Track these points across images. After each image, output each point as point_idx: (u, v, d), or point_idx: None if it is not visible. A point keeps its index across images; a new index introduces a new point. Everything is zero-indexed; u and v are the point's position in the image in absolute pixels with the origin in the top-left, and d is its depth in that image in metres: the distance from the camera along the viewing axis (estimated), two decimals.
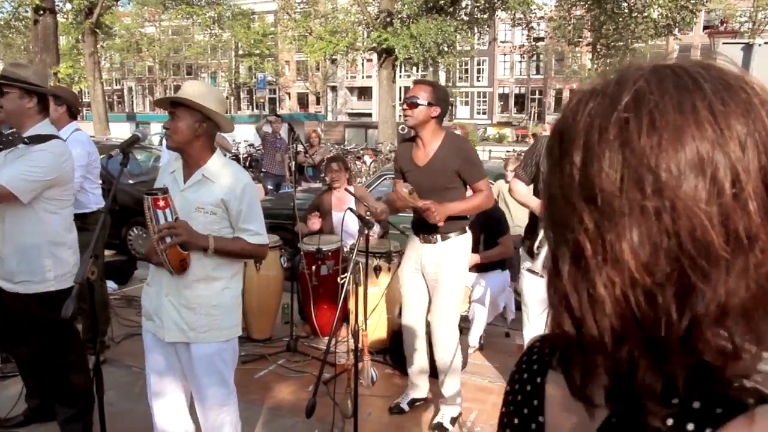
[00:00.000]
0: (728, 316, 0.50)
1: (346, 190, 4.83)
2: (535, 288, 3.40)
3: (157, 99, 2.57)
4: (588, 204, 0.54)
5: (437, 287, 3.30)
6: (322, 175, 5.93)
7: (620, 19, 16.81)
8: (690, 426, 0.53)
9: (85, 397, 3.07)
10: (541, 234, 2.98)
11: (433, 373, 3.63)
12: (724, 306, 0.50)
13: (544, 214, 0.63)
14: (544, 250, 2.72)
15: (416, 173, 3.22)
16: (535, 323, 3.43)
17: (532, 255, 3.26)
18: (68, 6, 17.76)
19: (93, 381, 2.37)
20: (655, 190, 0.51)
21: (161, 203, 2.21)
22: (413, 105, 3.09)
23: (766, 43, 5.93)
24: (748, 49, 5.91)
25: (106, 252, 4.39)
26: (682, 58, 0.57)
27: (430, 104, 3.09)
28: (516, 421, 0.74)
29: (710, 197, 0.50)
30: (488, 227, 4.58)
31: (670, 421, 0.54)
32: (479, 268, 4.54)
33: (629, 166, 0.52)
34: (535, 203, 3.19)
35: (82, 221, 4.01)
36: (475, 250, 4.54)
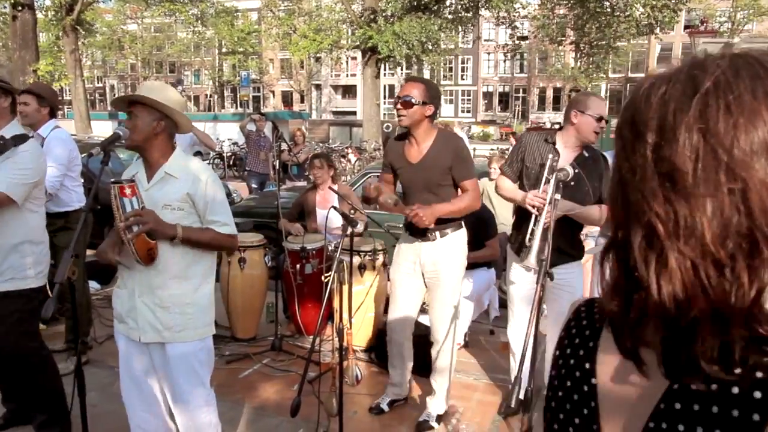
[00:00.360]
0: None
1: (330, 188, 4.83)
2: (521, 285, 3.42)
3: (114, 98, 2.54)
4: (662, 181, 0.58)
5: (437, 284, 3.29)
6: (306, 173, 5.92)
7: (603, 18, 16.94)
8: (757, 394, 0.57)
9: (56, 402, 3.03)
10: (531, 228, 2.99)
11: (421, 371, 3.64)
12: None
13: (611, 196, 0.67)
14: (536, 244, 2.74)
15: (409, 170, 3.22)
16: (520, 320, 3.45)
17: (521, 250, 3.28)
18: (47, 2, 17.52)
19: (65, 384, 2.34)
20: (729, 168, 0.55)
21: (128, 191, 2.20)
22: (408, 104, 3.07)
23: (745, 42, 6.02)
24: (728, 48, 5.99)
25: (88, 251, 4.33)
26: (754, 48, 0.61)
27: (424, 103, 3.09)
28: (568, 383, 0.76)
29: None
30: (477, 228, 4.58)
31: (735, 389, 0.58)
32: (466, 266, 4.55)
33: (706, 145, 0.56)
34: (521, 197, 3.20)
35: (65, 220, 3.97)
36: None
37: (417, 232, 3.26)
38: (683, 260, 0.57)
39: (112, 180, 2.24)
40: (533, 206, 2.97)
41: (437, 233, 3.23)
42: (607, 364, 0.72)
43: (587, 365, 0.74)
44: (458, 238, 3.30)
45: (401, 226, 3.44)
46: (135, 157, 2.73)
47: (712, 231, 0.56)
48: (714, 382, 0.59)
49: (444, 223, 3.21)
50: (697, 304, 0.57)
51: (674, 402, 0.63)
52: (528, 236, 3.00)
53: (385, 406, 3.59)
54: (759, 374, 0.57)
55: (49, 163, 3.73)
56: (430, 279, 3.32)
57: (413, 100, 3.06)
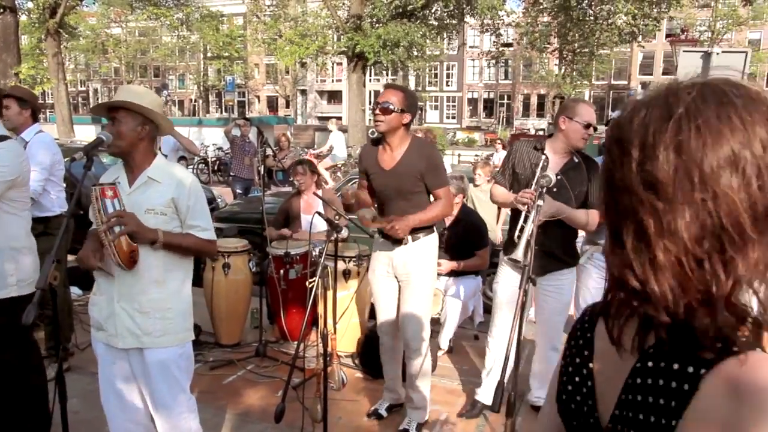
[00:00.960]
0: (757, 279, 0.68)
1: (315, 194, 4.83)
2: (506, 288, 3.44)
3: (95, 105, 2.52)
4: (647, 191, 0.71)
5: (408, 287, 3.32)
6: (291, 178, 5.91)
7: (586, 26, 17.14)
8: (690, 369, 0.72)
9: (40, 410, 2.99)
10: (520, 224, 3.02)
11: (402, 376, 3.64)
12: (754, 271, 0.67)
13: (602, 202, 0.80)
14: (524, 240, 2.76)
15: (382, 176, 3.24)
16: (502, 323, 3.47)
17: (512, 246, 3.32)
18: (29, 4, 17.36)
19: (48, 399, 2.31)
20: (700, 180, 0.67)
21: (109, 193, 2.20)
22: (387, 111, 3.08)
23: (724, 51, 6.13)
24: (707, 57, 6.10)
25: (70, 257, 4.29)
26: (718, 77, 0.74)
27: (402, 111, 3.10)
28: (571, 369, 0.92)
29: (740, 187, 0.67)
30: (470, 237, 4.62)
31: (675, 366, 0.73)
32: (454, 273, 4.58)
33: (681, 161, 0.68)
34: (513, 197, 3.22)
35: (45, 225, 3.93)
36: (453, 257, 4.58)
37: (390, 236, 3.29)
38: (670, 257, 0.69)
39: (93, 184, 2.24)
40: (524, 203, 2.99)
41: (409, 237, 3.26)
42: (599, 350, 0.87)
43: (586, 353, 0.90)
44: (430, 242, 3.34)
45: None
46: (118, 161, 2.70)
47: (689, 232, 0.68)
48: (664, 360, 0.74)
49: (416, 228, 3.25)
50: (689, 292, 0.69)
51: (636, 378, 0.77)
52: (517, 232, 3.02)
53: (383, 412, 3.60)
54: (707, 355, 0.71)
55: (32, 167, 3.69)
56: (402, 281, 3.35)
57: (392, 107, 3.07)
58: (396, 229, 3.05)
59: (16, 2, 7.52)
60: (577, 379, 0.90)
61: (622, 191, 0.74)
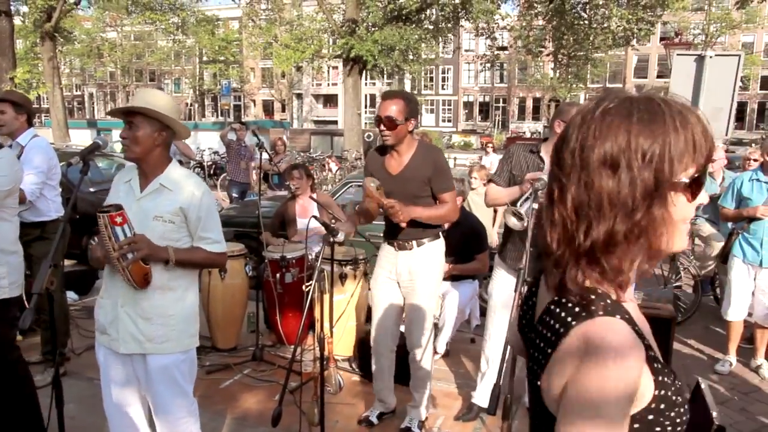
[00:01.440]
0: (606, 249, 0.90)
1: (310, 197, 4.84)
2: (502, 291, 3.46)
3: (114, 109, 2.47)
4: (557, 166, 0.95)
5: (412, 293, 3.31)
6: (287, 182, 5.93)
7: (580, 30, 17.20)
8: (576, 308, 0.92)
9: (32, 415, 2.98)
10: (525, 196, 3.02)
11: (401, 379, 3.65)
12: (605, 240, 0.89)
13: None
14: (527, 204, 2.81)
15: (389, 181, 3.21)
16: (497, 327, 3.48)
17: (505, 254, 3.43)
18: (24, 9, 17.32)
19: (43, 396, 2.31)
20: (583, 167, 0.90)
21: (118, 219, 2.16)
22: (392, 125, 3.07)
23: (717, 55, 6.17)
24: (700, 60, 6.14)
25: (66, 261, 4.29)
26: (645, 94, 0.93)
27: (406, 119, 3.11)
28: (524, 306, 1.15)
29: (607, 178, 0.88)
30: (469, 240, 4.62)
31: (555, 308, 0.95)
32: (452, 278, 4.58)
33: (579, 150, 0.91)
34: (516, 188, 3.22)
35: (42, 230, 3.93)
36: (452, 260, 4.58)
37: (396, 240, 3.29)
38: (560, 217, 0.93)
39: (99, 209, 2.18)
40: (532, 182, 2.95)
41: (414, 242, 3.25)
42: (541, 289, 1.09)
43: (534, 288, 1.14)
44: (435, 248, 3.33)
45: (382, 234, 3.46)
46: (114, 166, 2.72)
47: (572, 202, 0.91)
48: (558, 307, 0.95)
49: (422, 232, 3.24)
50: (566, 246, 0.93)
51: (544, 314, 0.98)
52: (521, 201, 2.97)
53: (374, 419, 3.59)
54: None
55: (28, 171, 3.69)
56: (406, 288, 3.34)
57: (396, 120, 3.07)
58: (396, 210, 2.99)
59: (11, 6, 7.52)
60: (529, 315, 1.13)
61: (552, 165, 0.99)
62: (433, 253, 3.32)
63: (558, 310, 0.94)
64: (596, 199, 0.88)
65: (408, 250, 3.27)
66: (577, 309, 0.91)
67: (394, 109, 3.07)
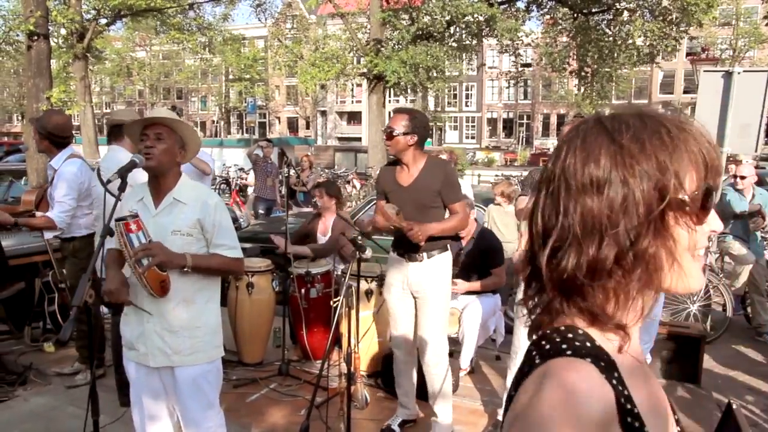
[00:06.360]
0: (591, 278, 0.77)
1: (338, 214, 4.90)
2: None
3: (145, 118, 2.52)
4: (544, 184, 0.85)
5: (424, 304, 3.40)
6: (314, 199, 5.98)
7: (605, 47, 17.13)
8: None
9: None
10: None
11: (423, 395, 3.65)
12: (589, 268, 0.76)
13: None
14: None
15: (400, 192, 3.37)
16: (524, 344, 3.46)
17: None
18: (62, 31, 17.83)
19: (79, 406, 2.37)
20: (567, 186, 0.79)
21: (133, 227, 2.21)
22: (390, 136, 3.28)
23: (745, 71, 6.12)
24: (728, 76, 6.09)
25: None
26: (634, 110, 0.82)
27: (405, 133, 3.26)
28: None
29: (592, 198, 0.76)
30: (486, 256, 4.64)
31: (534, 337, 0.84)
32: (472, 292, 4.59)
33: (559, 168, 0.81)
34: None
35: (73, 246, 4.04)
36: (469, 277, 4.60)
37: (404, 252, 3.39)
38: (534, 232, 0.84)
39: (115, 218, 2.23)
40: None
41: (424, 254, 3.36)
42: None
43: None
44: (444, 260, 3.44)
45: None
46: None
47: (542, 218, 0.82)
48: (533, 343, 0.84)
49: (432, 244, 3.33)
50: (550, 273, 0.80)
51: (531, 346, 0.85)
52: None
53: (396, 428, 3.61)
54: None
55: (57, 199, 3.78)
56: (418, 298, 3.44)
57: (394, 132, 3.26)
58: (415, 231, 3.14)
59: (49, 29, 7.80)
60: None
61: None
62: (442, 263, 3.43)
63: (537, 342, 0.82)
64: (581, 221, 0.77)
65: (418, 261, 3.37)
66: (547, 347, 0.79)
67: (395, 122, 3.29)
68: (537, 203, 0.84)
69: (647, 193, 0.74)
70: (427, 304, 3.39)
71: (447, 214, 3.41)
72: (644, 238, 0.74)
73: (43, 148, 4.00)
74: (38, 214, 4.20)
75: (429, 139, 3.93)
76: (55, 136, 4.01)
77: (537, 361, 0.78)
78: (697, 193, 0.76)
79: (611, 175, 0.76)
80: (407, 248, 3.35)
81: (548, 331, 0.81)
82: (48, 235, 4.08)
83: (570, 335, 0.78)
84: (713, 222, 0.79)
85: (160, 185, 2.44)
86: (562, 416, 0.69)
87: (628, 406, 0.73)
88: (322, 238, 5.06)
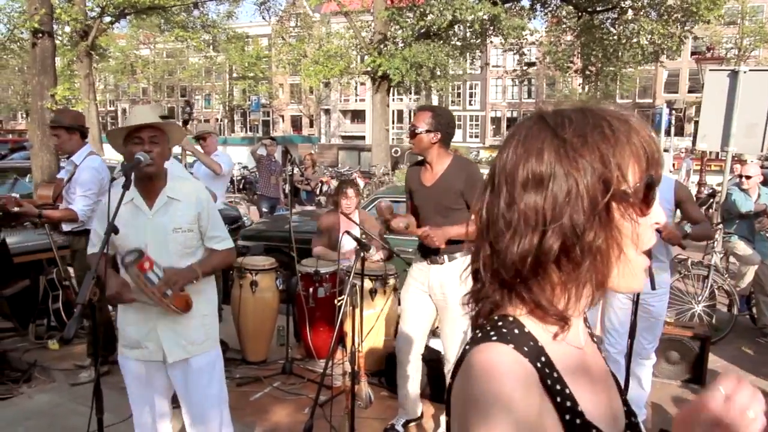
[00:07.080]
0: (534, 271, 0.78)
1: (349, 218, 4.88)
2: None
3: (139, 124, 2.44)
4: (489, 180, 0.85)
5: (446, 308, 3.34)
6: (317, 198, 5.98)
7: (609, 46, 17.10)
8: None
9: None
10: None
11: (436, 396, 3.65)
12: (534, 260, 0.77)
13: None
14: None
15: (423, 192, 3.32)
16: None
17: None
18: (66, 29, 17.86)
19: (83, 404, 2.37)
20: (510, 182, 0.79)
21: (146, 265, 2.19)
22: (413, 134, 3.23)
23: (751, 70, 6.09)
24: (734, 75, 6.06)
25: None
26: (581, 108, 0.82)
27: (428, 131, 3.19)
28: None
29: (535, 192, 0.76)
30: None
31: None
32: None
33: (502, 164, 0.81)
34: None
35: (86, 239, 4.05)
36: None
37: (427, 254, 3.32)
38: (487, 236, 0.83)
39: (125, 262, 2.19)
40: None
41: (446, 257, 3.29)
42: None
43: None
44: (466, 263, 3.34)
45: (411, 250, 3.50)
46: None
47: (484, 213, 0.83)
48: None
49: (454, 247, 3.26)
50: (491, 267, 0.83)
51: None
52: None
53: (399, 428, 3.61)
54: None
55: (80, 192, 3.86)
56: (439, 301, 3.38)
57: (417, 129, 3.21)
58: (431, 237, 3.09)
59: (53, 27, 7.79)
60: None
61: None
62: (464, 267, 3.33)
63: (473, 334, 0.84)
64: (524, 215, 0.77)
65: (439, 264, 3.30)
66: (479, 335, 0.80)
67: (418, 120, 3.24)
68: (482, 199, 0.84)
69: (591, 186, 0.75)
70: (448, 309, 3.31)
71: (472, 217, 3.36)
72: (590, 231, 0.75)
73: (73, 144, 4.07)
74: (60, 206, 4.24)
75: None
76: (83, 127, 4.18)
77: (467, 347, 0.80)
78: (640, 185, 0.77)
79: (555, 169, 0.76)
80: (428, 250, 3.29)
81: (484, 322, 0.83)
82: (66, 227, 4.12)
83: (500, 323, 0.80)
84: (656, 214, 0.80)
85: (153, 185, 2.41)
86: (487, 391, 0.72)
87: (547, 371, 0.76)
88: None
